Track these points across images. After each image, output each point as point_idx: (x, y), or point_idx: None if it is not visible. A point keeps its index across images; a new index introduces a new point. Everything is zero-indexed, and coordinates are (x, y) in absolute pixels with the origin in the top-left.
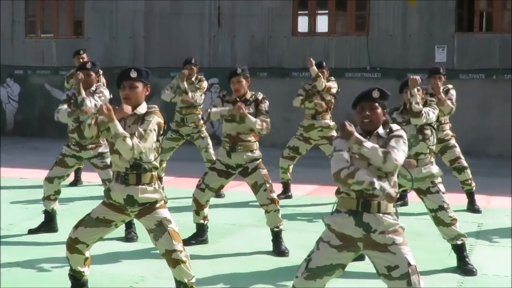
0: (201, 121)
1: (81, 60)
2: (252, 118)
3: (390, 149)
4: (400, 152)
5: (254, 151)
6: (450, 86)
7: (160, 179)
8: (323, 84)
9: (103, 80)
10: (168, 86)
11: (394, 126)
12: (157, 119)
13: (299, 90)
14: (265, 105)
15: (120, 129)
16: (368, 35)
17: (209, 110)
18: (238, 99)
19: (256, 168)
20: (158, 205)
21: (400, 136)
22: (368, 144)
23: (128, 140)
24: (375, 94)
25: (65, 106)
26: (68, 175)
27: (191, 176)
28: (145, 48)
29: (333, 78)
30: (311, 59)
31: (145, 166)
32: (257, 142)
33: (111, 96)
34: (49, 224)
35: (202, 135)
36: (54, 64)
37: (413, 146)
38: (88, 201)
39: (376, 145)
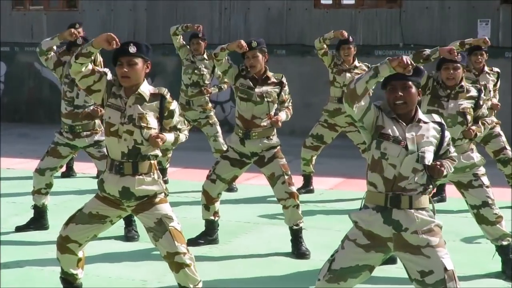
0: (209, 105)
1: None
2: (284, 115)
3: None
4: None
5: (271, 138)
6: (496, 69)
7: (163, 170)
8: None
9: (100, 59)
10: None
11: (436, 117)
12: (176, 102)
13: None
14: (287, 90)
15: (171, 137)
16: (401, 7)
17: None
18: (255, 79)
19: (273, 157)
20: (157, 199)
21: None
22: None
23: (181, 136)
24: (410, 70)
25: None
26: (61, 166)
27: (198, 167)
28: (147, 22)
29: (361, 66)
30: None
31: (144, 153)
32: (273, 128)
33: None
34: (39, 220)
35: (210, 121)
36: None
37: (450, 127)
38: (83, 196)
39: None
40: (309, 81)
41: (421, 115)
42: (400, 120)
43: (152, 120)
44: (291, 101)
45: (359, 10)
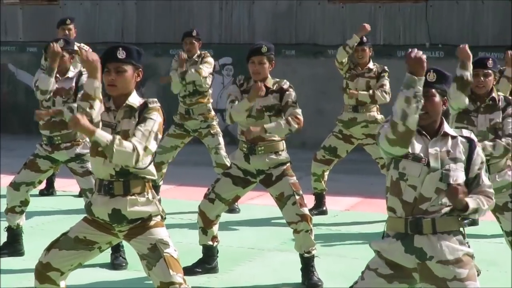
0: (212, 113)
1: (66, 32)
2: (274, 126)
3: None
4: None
5: (280, 153)
6: None
7: (156, 188)
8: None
9: None
10: (172, 71)
11: (465, 132)
12: (159, 118)
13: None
14: (292, 95)
15: (108, 136)
16: (428, 1)
17: (228, 109)
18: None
19: (282, 175)
20: (152, 222)
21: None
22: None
23: (126, 144)
24: (431, 77)
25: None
26: (39, 182)
27: (197, 185)
28: (137, 18)
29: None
30: (366, 25)
31: (135, 172)
32: (283, 142)
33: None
34: (12, 245)
35: (212, 131)
36: (20, 38)
37: None
38: (64, 216)
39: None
40: (322, 85)
41: (447, 128)
42: (423, 132)
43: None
44: (296, 107)
45: (380, 5)
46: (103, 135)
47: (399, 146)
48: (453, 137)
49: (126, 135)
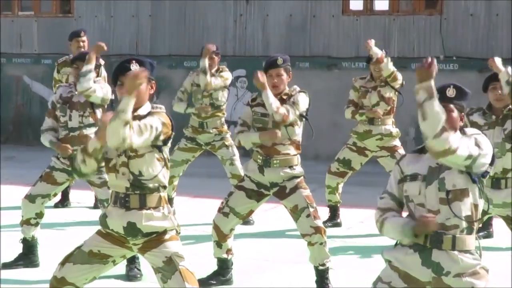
0: (225, 127)
1: (81, 44)
2: (271, 96)
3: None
4: (463, 144)
5: (294, 167)
6: None
7: (170, 201)
8: (390, 67)
9: (104, 73)
10: (179, 91)
11: (469, 130)
12: (161, 118)
13: (350, 92)
14: (298, 97)
15: (129, 110)
16: (442, 14)
17: (236, 133)
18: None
19: (296, 187)
20: (167, 236)
21: (473, 135)
22: (437, 103)
23: (127, 127)
24: (450, 92)
25: (50, 122)
26: (55, 195)
27: (211, 197)
28: (151, 31)
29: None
30: (371, 41)
31: (150, 185)
32: (298, 156)
33: (112, 98)
34: (28, 256)
35: (226, 143)
36: (35, 50)
37: (498, 157)
38: (79, 228)
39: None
40: (336, 98)
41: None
42: (426, 150)
43: (141, 147)
44: (293, 106)
45: (394, 17)
46: (130, 106)
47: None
48: None
49: (131, 148)
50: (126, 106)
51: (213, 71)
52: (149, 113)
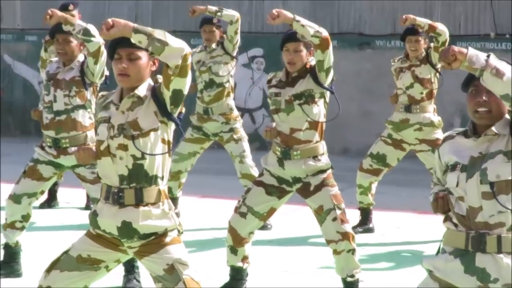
0: (234, 112)
1: None
2: (303, 20)
3: None
4: None
5: (319, 158)
6: None
7: (174, 200)
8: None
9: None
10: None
11: None
12: None
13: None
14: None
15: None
16: None
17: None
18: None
19: (322, 185)
20: (168, 238)
21: None
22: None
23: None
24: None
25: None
26: (42, 192)
27: (219, 196)
28: (153, 4)
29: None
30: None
31: (149, 173)
32: (323, 144)
33: (107, 74)
34: (9, 265)
35: (235, 136)
36: (18, 25)
37: None
38: (68, 232)
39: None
40: (368, 82)
41: (500, 125)
42: (469, 135)
43: (148, 122)
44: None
45: None
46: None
47: None
48: (504, 135)
49: (135, 126)
50: (140, 35)
51: (213, 45)
52: (153, 87)
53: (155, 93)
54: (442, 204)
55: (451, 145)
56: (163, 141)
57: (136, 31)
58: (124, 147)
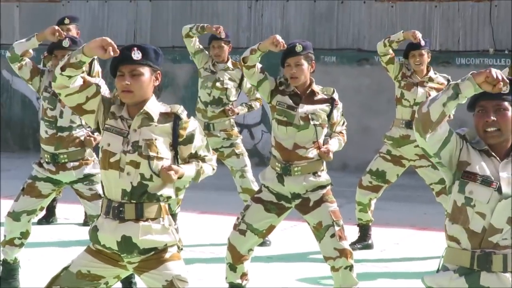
0: (235, 129)
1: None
2: (337, 144)
3: None
4: None
5: (319, 174)
6: None
7: (173, 216)
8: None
9: (97, 68)
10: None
11: None
12: (197, 124)
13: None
14: (341, 109)
15: (191, 170)
16: (493, 0)
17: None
18: (297, 96)
19: (321, 200)
20: (168, 254)
21: None
22: None
23: (206, 168)
24: (503, 88)
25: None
26: (41, 209)
27: (218, 212)
28: (152, 19)
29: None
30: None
31: (156, 193)
32: (323, 160)
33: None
34: (7, 281)
35: (236, 151)
36: (17, 39)
37: None
38: (66, 248)
39: None
40: (367, 98)
41: None
42: (492, 153)
43: (163, 148)
44: (345, 123)
45: (436, 4)
46: (189, 172)
47: (417, 130)
48: None
49: (150, 144)
50: (187, 179)
51: (229, 64)
52: (177, 116)
53: (176, 128)
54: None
55: (476, 152)
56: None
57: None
58: (136, 164)
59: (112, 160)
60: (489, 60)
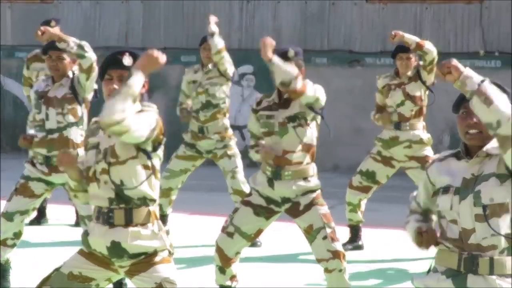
0: (229, 131)
1: None
2: (282, 64)
3: None
4: None
5: (309, 179)
6: None
7: (164, 217)
8: (435, 49)
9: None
10: (180, 94)
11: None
12: (155, 115)
13: (376, 94)
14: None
15: (136, 86)
16: (483, 1)
17: (250, 150)
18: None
19: (311, 204)
20: (158, 258)
21: None
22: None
23: (129, 103)
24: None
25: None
26: (34, 209)
27: (211, 214)
28: (144, 19)
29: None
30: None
31: (134, 197)
32: (313, 165)
33: (96, 87)
34: None
35: (228, 153)
36: (8, 41)
37: None
38: (58, 249)
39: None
40: (358, 99)
41: (491, 146)
42: (461, 156)
43: (123, 152)
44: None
45: (427, 6)
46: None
47: None
48: (496, 156)
49: (111, 150)
50: (134, 82)
51: (210, 66)
52: (141, 111)
53: None
54: (427, 238)
55: (442, 166)
56: (145, 167)
57: None
58: (106, 171)
59: (90, 173)
60: (479, 61)
